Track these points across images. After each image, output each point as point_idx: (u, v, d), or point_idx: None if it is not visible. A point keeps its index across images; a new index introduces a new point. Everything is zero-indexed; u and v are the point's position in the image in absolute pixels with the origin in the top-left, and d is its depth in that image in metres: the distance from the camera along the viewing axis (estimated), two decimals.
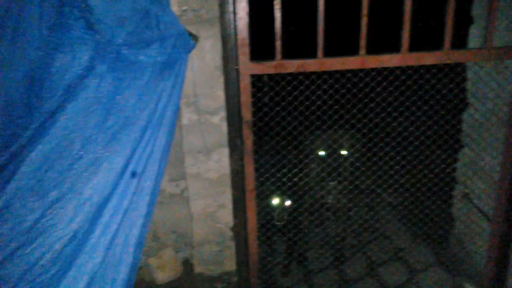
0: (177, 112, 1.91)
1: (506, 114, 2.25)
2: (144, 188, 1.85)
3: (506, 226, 2.39)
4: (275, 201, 2.68)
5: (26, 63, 1.67)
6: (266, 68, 2.10)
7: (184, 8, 1.94)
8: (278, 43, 2.05)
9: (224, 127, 2.18)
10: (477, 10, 2.41)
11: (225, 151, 2.23)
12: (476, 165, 2.55)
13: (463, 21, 2.40)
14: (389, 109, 2.50)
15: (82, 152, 1.68)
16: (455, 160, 2.67)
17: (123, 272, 1.83)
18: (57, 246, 1.58)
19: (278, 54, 2.07)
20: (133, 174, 1.78)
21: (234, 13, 1.98)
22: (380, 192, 3.23)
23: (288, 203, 2.69)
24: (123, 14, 1.79)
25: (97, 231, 1.70)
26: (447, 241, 2.94)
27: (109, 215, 1.73)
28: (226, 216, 2.37)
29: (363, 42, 2.09)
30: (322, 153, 2.64)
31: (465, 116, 2.61)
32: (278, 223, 2.68)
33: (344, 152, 2.63)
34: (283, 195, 2.69)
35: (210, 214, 2.36)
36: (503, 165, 2.32)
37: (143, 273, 2.65)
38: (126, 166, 1.74)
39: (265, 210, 2.73)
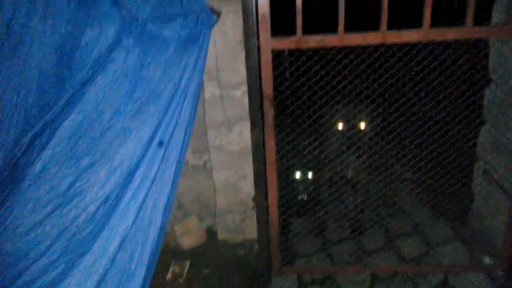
0: (200, 85, 1.99)
1: None
2: (170, 157, 1.95)
3: None
4: (298, 175, 2.76)
5: (57, 37, 1.77)
6: (287, 43, 2.15)
7: None
8: (299, 18, 2.09)
9: (245, 101, 2.25)
10: None
11: (247, 124, 2.31)
12: (497, 142, 2.55)
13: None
14: (409, 85, 2.52)
15: (112, 122, 1.80)
16: (476, 136, 2.66)
17: (152, 234, 1.95)
18: (91, 208, 1.71)
19: (299, 29, 2.11)
20: (160, 144, 1.89)
21: None
22: (399, 167, 3.25)
23: (310, 175, 2.77)
24: None
25: (128, 195, 1.82)
26: (466, 217, 2.96)
27: (138, 181, 1.85)
28: (248, 187, 2.47)
29: (384, 17, 2.11)
30: (340, 127, 2.70)
31: (486, 92, 2.59)
32: (302, 197, 2.77)
33: (362, 127, 2.67)
34: (305, 169, 2.77)
35: (232, 185, 2.47)
36: None
37: (168, 239, 2.80)
38: (153, 136, 1.85)
39: (287, 185, 2.81)
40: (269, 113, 2.27)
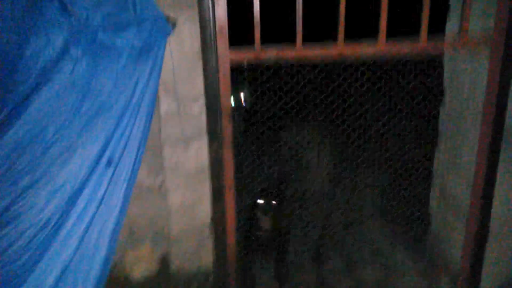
0: (155, 99, 1.86)
1: (482, 105, 2.27)
2: (120, 177, 1.78)
3: (480, 223, 2.40)
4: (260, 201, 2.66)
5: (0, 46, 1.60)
6: (245, 54, 2.08)
7: None
8: (257, 30, 2.03)
9: (203, 116, 2.14)
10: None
11: (205, 141, 2.19)
12: (453, 159, 2.57)
13: (440, 8, 2.43)
14: (366, 105, 2.51)
15: (55, 138, 1.62)
16: (432, 155, 2.68)
17: (97, 264, 1.77)
18: (28, 234, 1.50)
19: (257, 41, 2.05)
20: (109, 162, 1.72)
21: None
22: (362, 187, 3.23)
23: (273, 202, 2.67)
24: None
25: (71, 220, 1.63)
26: (425, 239, 2.93)
27: (83, 204, 1.67)
28: (205, 210, 2.32)
29: (341, 30, 2.10)
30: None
31: (441, 109, 2.63)
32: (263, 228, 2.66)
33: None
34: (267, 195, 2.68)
35: (188, 208, 2.31)
36: (477, 160, 2.34)
37: (117, 269, 2.56)
38: (101, 153, 1.68)
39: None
40: (228, 128, 2.17)
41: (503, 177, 2.31)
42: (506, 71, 2.17)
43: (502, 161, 2.29)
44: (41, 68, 1.62)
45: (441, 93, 2.55)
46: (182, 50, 2.00)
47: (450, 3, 2.42)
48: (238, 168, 2.35)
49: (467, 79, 2.32)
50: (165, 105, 2.07)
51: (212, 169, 2.23)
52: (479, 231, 2.41)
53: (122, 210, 1.84)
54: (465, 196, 2.45)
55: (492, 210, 2.37)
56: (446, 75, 2.50)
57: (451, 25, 2.41)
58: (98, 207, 1.72)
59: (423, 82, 2.38)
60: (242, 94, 2.97)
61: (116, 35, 1.74)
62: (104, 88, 1.72)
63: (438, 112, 2.64)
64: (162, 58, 1.86)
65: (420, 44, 2.14)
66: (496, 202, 2.35)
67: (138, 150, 1.82)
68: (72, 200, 1.64)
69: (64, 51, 1.65)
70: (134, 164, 1.83)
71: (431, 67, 2.38)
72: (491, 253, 2.42)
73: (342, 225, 3.16)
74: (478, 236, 2.42)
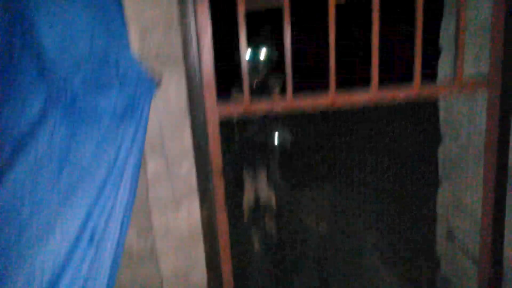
0: (140, 161, 1.73)
1: (481, 150, 2.21)
2: (105, 252, 1.61)
3: (493, 267, 2.28)
4: None
5: None
6: (235, 109, 1.99)
7: (145, 47, 1.81)
8: (245, 83, 1.95)
9: (193, 175, 2.01)
10: (444, 41, 2.41)
11: (196, 201, 2.04)
12: (458, 201, 2.47)
13: (432, 52, 2.40)
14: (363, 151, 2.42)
15: (32, 216, 1.46)
16: (435, 197, 2.58)
17: None
18: None
19: (246, 95, 1.97)
20: (91, 239, 1.55)
21: (199, 53, 1.87)
22: (365, 234, 3.08)
23: None
24: (79, 56, 1.64)
25: None
26: (434, 284, 2.79)
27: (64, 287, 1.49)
28: (200, 275, 2.14)
29: (332, 79, 2.03)
30: None
31: (440, 151, 2.56)
32: None
33: None
34: None
35: (181, 274, 2.13)
36: (483, 201, 2.25)
37: None
38: (83, 228, 1.51)
39: None
40: (220, 187, 2.05)
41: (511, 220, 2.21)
42: (505, 114, 2.11)
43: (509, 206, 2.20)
44: (16, 139, 1.49)
45: (438, 136, 2.48)
46: (168, 107, 1.89)
47: (441, 46, 2.40)
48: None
49: (464, 122, 2.25)
50: (152, 165, 1.94)
51: (205, 232, 2.08)
52: (492, 275, 2.28)
53: (109, 286, 1.67)
54: (472, 238, 2.35)
55: (504, 253, 2.25)
56: (442, 118, 2.43)
57: (444, 69, 2.37)
58: None
59: (420, 126, 2.30)
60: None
61: (97, 97, 1.62)
62: (84, 155, 1.58)
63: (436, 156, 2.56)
64: (147, 118, 1.74)
65: (414, 90, 2.07)
66: (506, 245, 2.24)
67: (123, 218, 1.66)
68: (52, 284, 1.46)
69: (41, 118, 1.52)
70: (120, 235, 1.66)
71: (427, 110, 2.32)
72: None
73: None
74: (492, 281, 2.28)
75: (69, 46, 1.60)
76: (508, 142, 2.15)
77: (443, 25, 2.41)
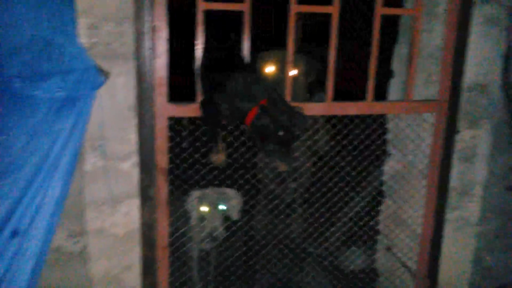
0: (76, 157, 1.63)
1: (426, 167, 2.28)
2: (28, 249, 1.51)
3: (430, 280, 2.36)
4: None
5: None
6: (186, 110, 1.92)
7: (94, 40, 1.71)
8: (199, 85, 1.89)
9: (135, 174, 1.92)
10: (397, 65, 2.48)
11: (136, 202, 1.96)
12: (397, 217, 2.53)
13: (384, 75, 2.45)
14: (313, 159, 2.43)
15: None
16: (378, 212, 2.63)
17: None
18: None
19: (199, 96, 1.91)
20: (15, 233, 1.45)
21: (152, 49, 1.80)
22: (305, 245, 3.10)
23: None
24: (19, 42, 1.53)
25: None
26: None
27: None
28: (133, 280, 2.05)
29: (288, 92, 2.03)
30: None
31: (386, 167, 2.62)
32: None
33: None
34: None
35: (114, 277, 2.02)
36: (424, 217, 2.32)
37: None
38: (4, 222, 1.41)
39: None
40: (163, 188, 1.97)
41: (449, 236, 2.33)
42: (449, 135, 2.19)
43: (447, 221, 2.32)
44: None
45: (384, 151, 2.54)
46: (114, 103, 1.80)
47: (393, 70, 2.46)
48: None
49: (410, 141, 2.31)
50: (90, 162, 1.83)
51: (143, 234, 1.99)
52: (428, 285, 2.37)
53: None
54: (411, 251, 2.42)
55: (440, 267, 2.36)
56: (390, 137, 2.49)
57: (394, 92, 2.43)
58: None
59: (369, 138, 2.34)
60: None
61: (36, 85, 1.52)
62: (14, 145, 1.48)
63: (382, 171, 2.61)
64: (88, 112, 1.65)
65: (365, 105, 2.10)
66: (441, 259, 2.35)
67: (52, 218, 1.56)
68: None
69: None
70: (47, 233, 1.57)
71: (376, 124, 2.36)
72: None
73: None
74: None
75: (8, 30, 1.49)
76: (450, 161, 2.23)
77: (396, 50, 2.48)
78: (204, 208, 2.49)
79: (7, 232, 1.42)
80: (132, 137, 1.88)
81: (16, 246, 1.46)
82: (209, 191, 2.46)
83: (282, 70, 2.62)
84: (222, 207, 2.45)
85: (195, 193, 2.48)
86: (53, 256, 2.03)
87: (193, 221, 2.49)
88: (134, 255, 2.02)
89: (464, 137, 2.23)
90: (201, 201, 2.46)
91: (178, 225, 2.36)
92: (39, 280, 1.65)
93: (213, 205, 2.45)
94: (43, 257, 1.57)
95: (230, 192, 2.50)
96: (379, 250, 2.77)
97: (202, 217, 2.48)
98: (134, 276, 2.04)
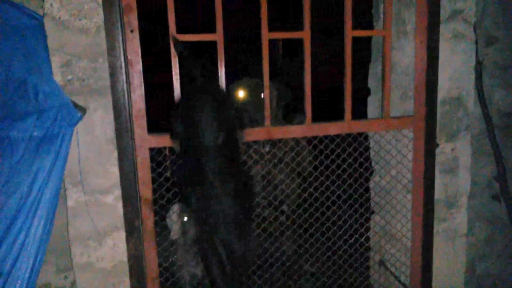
0: (57, 195, 1.65)
1: (410, 181, 2.30)
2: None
3: None
4: None
5: None
6: (166, 140, 1.95)
7: (69, 77, 1.74)
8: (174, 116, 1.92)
9: (119, 207, 1.93)
10: (372, 83, 2.53)
11: (122, 234, 1.96)
12: (387, 232, 2.54)
13: (361, 92, 2.49)
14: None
15: None
16: (368, 228, 2.63)
17: None
18: None
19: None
20: None
21: (128, 82, 1.83)
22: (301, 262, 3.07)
23: None
24: None
25: None
26: None
27: None
28: None
29: (268, 115, 2.06)
30: None
31: (371, 183, 2.63)
32: None
33: None
34: None
35: None
36: (412, 229, 2.33)
37: None
38: None
39: None
40: (149, 219, 1.98)
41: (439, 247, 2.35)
42: (429, 149, 2.21)
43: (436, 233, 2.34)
44: None
45: (369, 167, 2.55)
46: (93, 138, 1.82)
47: (369, 87, 2.51)
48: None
49: (393, 156, 2.33)
50: (73, 198, 1.84)
51: (131, 266, 1.99)
52: None
53: None
54: (403, 264, 2.43)
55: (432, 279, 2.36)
56: (373, 153, 2.52)
57: (373, 107, 2.47)
58: None
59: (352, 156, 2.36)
60: None
61: (12, 126, 1.55)
62: None
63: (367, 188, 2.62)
64: (67, 149, 1.67)
65: (345, 125, 2.13)
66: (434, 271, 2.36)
67: (35, 258, 1.57)
68: None
69: None
70: (30, 274, 1.56)
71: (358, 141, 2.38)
72: None
73: None
74: None
75: None
76: (433, 174, 2.26)
77: (371, 68, 2.53)
78: (187, 219, 2.50)
79: None
80: (113, 170, 1.89)
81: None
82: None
83: (252, 96, 2.70)
84: None
85: (175, 206, 2.49)
86: None
87: (174, 235, 2.49)
88: (124, 287, 2.01)
89: (445, 149, 2.26)
90: (182, 213, 2.46)
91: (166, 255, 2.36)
92: None
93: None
94: None
95: None
96: (371, 266, 2.77)
97: (184, 230, 2.49)
98: None
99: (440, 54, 2.13)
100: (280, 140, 2.61)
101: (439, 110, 2.20)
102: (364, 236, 2.56)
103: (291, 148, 2.62)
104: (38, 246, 1.58)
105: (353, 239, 2.54)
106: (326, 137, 2.21)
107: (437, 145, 2.22)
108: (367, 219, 2.65)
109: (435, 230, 2.34)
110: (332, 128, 2.14)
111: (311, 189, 2.38)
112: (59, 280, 2.23)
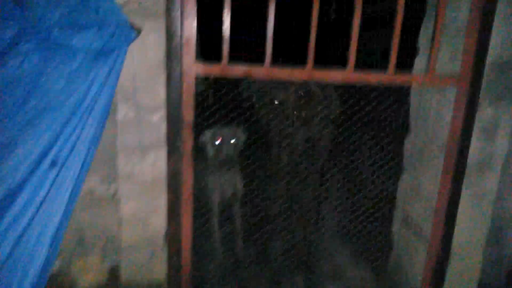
0: (110, 104, 1.81)
1: (445, 143, 2.30)
2: (65, 180, 1.72)
3: (442, 247, 2.41)
4: None
5: None
6: (211, 70, 2.06)
7: None
8: (225, 46, 2.02)
9: (163, 126, 2.09)
10: (423, 41, 2.48)
11: (162, 152, 2.14)
12: (415, 189, 2.57)
13: (409, 51, 2.46)
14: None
15: None
16: (396, 184, 2.68)
17: (34, 270, 1.67)
18: None
19: (225, 57, 2.03)
20: (53, 163, 1.65)
21: (182, 10, 1.93)
22: (322, 208, 3.20)
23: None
24: None
25: (6, 220, 1.56)
26: (386, 265, 2.92)
27: (21, 205, 1.59)
28: (159, 222, 2.25)
29: (311, 55, 2.10)
30: None
31: (406, 141, 2.65)
32: None
33: None
34: None
35: (141, 219, 2.23)
36: (440, 191, 2.35)
37: (62, 277, 2.45)
38: (45, 153, 1.62)
39: None
40: (188, 141, 2.13)
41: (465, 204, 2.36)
42: (470, 108, 2.19)
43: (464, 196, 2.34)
44: None
45: (407, 124, 2.56)
46: (145, 59, 1.96)
47: (419, 46, 2.46)
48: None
49: (432, 115, 2.33)
50: (123, 112, 2.02)
51: (169, 182, 2.17)
52: (440, 253, 2.42)
53: (66, 215, 1.76)
54: (427, 222, 2.46)
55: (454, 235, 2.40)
56: (412, 107, 2.52)
57: (419, 67, 2.44)
58: (38, 209, 1.65)
59: (393, 110, 2.38)
60: None
61: (73, 35, 1.70)
62: (54, 87, 1.67)
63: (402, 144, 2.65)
64: (121, 63, 1.82)
65: (387, 76, 2.15)
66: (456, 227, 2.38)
67: (87, 153, 1.76)
68: (8, 199, 1.56)
69: (13, 44, 1.61)
70: (82, 167, 1.77)
71: (401, 95, 2.39)
72: (451, 276, 2.43)
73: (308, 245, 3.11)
74: (440, 258, 2.43)
75: None
76: (470, 135, 2.24)
77: (423, 26, 2.47)
78: (219, 142, 2.92)
79: (46, 162, 1.63)
80: (161, 92, 2.04)
81: (54, 175, 1.66)
82: (219, 129, 2.93)
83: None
84: (232, 140, 2.94)
85: (208, 132, 2.94)
86: (87, 198, 2.27)
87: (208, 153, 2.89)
88: (160, 201, 2.21)
89: (486, 113, 2.23)
90: (214, 137, 2.91)
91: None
92: (75, 216, 1.87)
93: (226, 139, 2.92)
94: (78, 188, 1.77)
95: (237, 129, 2.99)
96: (395, 222, 2.83)
97: (217, 150, 2.92)
98: (160, 220, 2.24)
99: (496, 18, 2.06)
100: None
101: (486, 73, 2.15)
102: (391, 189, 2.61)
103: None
104: (90, 144, 1.75)
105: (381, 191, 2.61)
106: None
107: (478, 108, 2.20)
108: (398, 175, 2.69)
109: (463, 193, 2.35)
110: (373, 77, 2.16)
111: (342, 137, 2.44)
112: (102, 189, 2.47)
